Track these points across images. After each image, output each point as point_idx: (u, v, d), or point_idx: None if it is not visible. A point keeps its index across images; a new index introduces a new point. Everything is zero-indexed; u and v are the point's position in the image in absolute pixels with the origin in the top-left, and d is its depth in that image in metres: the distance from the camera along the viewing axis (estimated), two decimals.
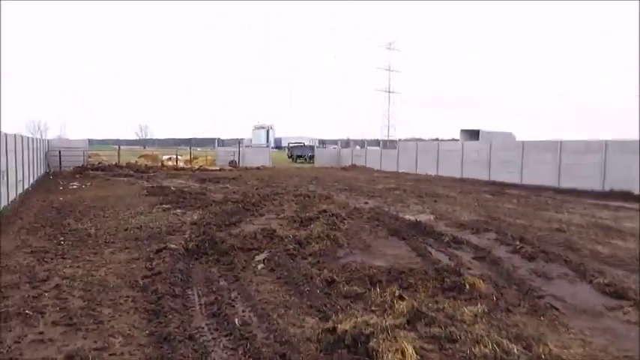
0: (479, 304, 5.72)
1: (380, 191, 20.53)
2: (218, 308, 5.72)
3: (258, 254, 8.33)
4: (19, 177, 16.66)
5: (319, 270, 7.20)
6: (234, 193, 18.52)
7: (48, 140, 32.06)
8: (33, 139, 22.34)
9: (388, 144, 45.59)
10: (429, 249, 9.16)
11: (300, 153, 53.24)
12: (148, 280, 6.81)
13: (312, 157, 48.58)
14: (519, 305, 6.04)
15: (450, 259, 8.46)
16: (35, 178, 22.09)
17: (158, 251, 8.27)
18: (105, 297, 6.14)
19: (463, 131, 34.82)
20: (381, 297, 5.96)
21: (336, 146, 55.24)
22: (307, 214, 12.54)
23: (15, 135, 16.29)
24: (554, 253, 8.59)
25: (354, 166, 39.72)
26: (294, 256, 8.29)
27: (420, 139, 57.14)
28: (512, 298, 6.28)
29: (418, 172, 33.06)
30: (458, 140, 35.29)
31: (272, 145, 71.74)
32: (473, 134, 33.50)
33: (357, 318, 4.89)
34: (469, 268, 7.77)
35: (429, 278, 6.79)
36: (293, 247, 8.73)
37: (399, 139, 56.12)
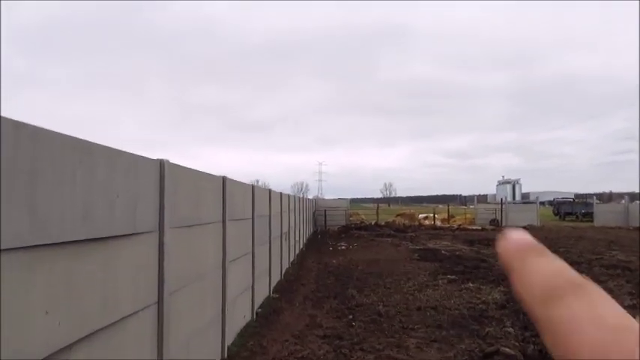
0: None
1: None
2: None
3: None
4: (297, 237, 16.83)
5: None
6: None
7: (315, 200, 34.06)
8: (305, 200, 23.35)
9: None
10: None
11: (570, 210, 45.69)
12: None
13: (585, 215, 40.91)
14: None
15: None
16: (307, 238, 22.79)
17: (487, 356, 5.88)
18: None
19: None
20: None
21: (594, 201, 45.95)
22: None
23: (295, 196, 16.64)
24: None
25: None
26: None
27: None
28: None
29: None
30: None
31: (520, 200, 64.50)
32: None
33: None
34: None
35: None
36: None
37: None
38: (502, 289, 10.24)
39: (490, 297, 9.55)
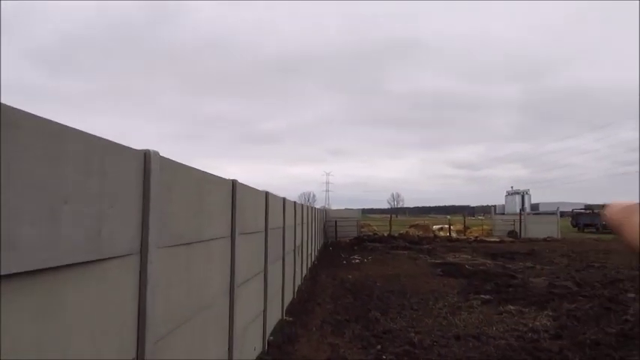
0: None
1: None
2: None
3: None
4: (309, 250, 15.61)
5: None
6: (555, 277, 13.95)
7: (325, 210, 32.74)
8: (317, 210, 22.13)
9: None
10: None
11: (590, 221, 44.00)
12: None
13: (606, 226, 39.22)
14: None
15: None
16: (318, 250, 21.54)
17: None
18: None
19: None
20: None
21: None
22: None
23: (309, 207, 15.46)
24: None
25: None
26: None
27: None
28: None
29: None
30: None
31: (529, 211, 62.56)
32: None
33: None
34: None
35: None
36: None
37: None
38: (549, 313, 8.96)
39: (538, 323, 8.28)
